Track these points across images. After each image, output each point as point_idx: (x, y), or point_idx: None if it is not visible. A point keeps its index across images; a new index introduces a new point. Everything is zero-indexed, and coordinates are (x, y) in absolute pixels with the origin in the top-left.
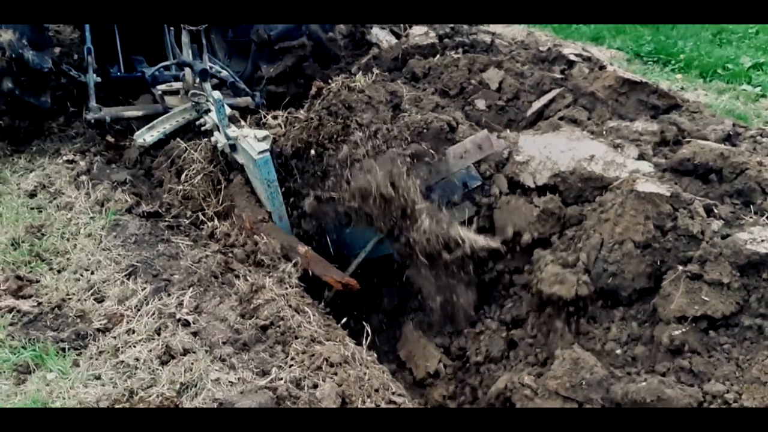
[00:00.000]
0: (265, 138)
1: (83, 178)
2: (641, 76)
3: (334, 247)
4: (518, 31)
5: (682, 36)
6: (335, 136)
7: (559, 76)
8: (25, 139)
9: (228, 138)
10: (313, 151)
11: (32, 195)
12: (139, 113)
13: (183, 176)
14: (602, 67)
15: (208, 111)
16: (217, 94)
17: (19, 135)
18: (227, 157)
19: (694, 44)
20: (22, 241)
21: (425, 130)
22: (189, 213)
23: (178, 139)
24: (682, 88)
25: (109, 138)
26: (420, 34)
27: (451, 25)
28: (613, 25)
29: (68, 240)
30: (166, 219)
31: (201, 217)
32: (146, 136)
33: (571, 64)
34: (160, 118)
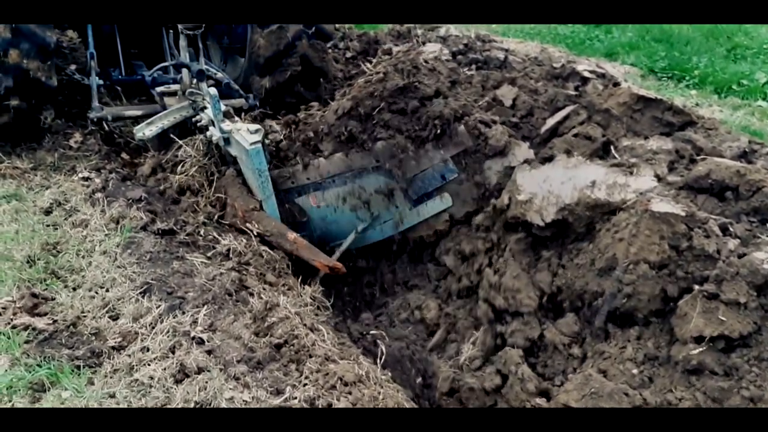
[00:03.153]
0: (257, 131)
1: (98, 195)
2: (655, 92)
3: (318, 235)
4: (531, 48)
5: (696, 52)
6: (399, 92)
7: (573, 92)
8: (36, 106)
9: (222, 132)
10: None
11: (48, 212)
12: (139, 113)
13: (179, 168)
14: (616, 84)
15: (204, 109)
16: (213, 90)
17: (30, 91)
18: (221, 151)
19: (709, 60)
20: (38, 259)
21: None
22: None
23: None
24: (697, 104)
25: (125, 155)
26: (433, 51)
27: (465, 42)
28: (627, 41)
29: (83, 257)
30: (181, 236)
31: (214, 234)
32: (146, 131)
33: (585, 80)
34: (159, 114)
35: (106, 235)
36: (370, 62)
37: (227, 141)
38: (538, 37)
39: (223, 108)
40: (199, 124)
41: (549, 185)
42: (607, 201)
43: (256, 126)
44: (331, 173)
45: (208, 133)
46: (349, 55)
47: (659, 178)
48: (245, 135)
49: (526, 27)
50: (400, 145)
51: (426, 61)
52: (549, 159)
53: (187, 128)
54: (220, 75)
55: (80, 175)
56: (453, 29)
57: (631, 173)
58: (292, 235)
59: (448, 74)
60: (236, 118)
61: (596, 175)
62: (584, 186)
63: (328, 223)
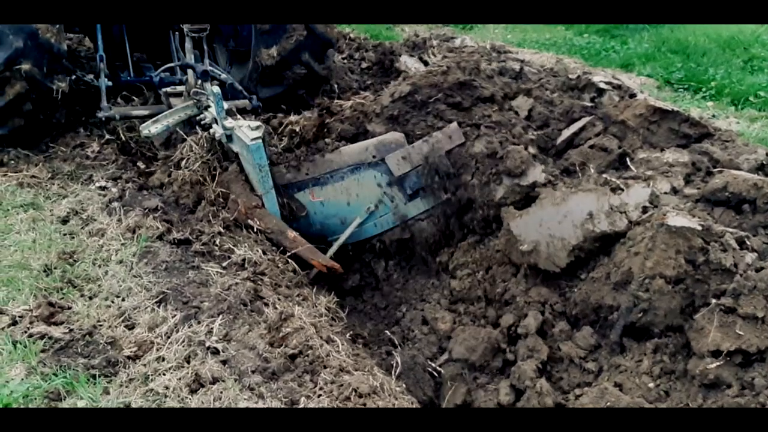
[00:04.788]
0: (258, 127)
1: (115, 204)
2: (672, 103)
3: (317, 229)
4: (547, 58)
5: (713, 63)
6: (458, 86)
7: (588, 104)
8: (48, 74)
9: (225, 128)
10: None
11: (65, 221)
12: (146, 112)
13: (183, 163)
14: (632, 95)
15: (207, 107)
16: (216, 89)
17: (40, 55)
18: (223, 147)
19: (726, 71)
20: (55, 268)
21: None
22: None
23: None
24: (714, 116)
25: (140, 164)
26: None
27: (480, 53)
28: (643, 52)
29: (100, 266)
30: (197, 246)
31: (232, 247)
32: (151, 128)
33: (601, 91)
34: (165, 113)
35: (122, 244)
36: (387, 83)
37: (229, 138)
38: (553, 47)
39: (225, 106)
40: (203, 122)
41: (547, 228)
42: (614, 231)
43: (257, 123)
44: (329, 169)
45: (211, 131)
46: (364, 65)
47: (675, 191)
48: (246, 131)
49: (541, 38)
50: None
51: (485, 69)
52: (533, 199)
53: (191, 127)
54: (224, 76)
55: (97, 185)
56: (468, 40)
57: (621, 189)
58: (291, 234)
59: (502, 86)
60: (238, 116)
61: (589, 205)
62: (583, 220)
63: (327, 218)
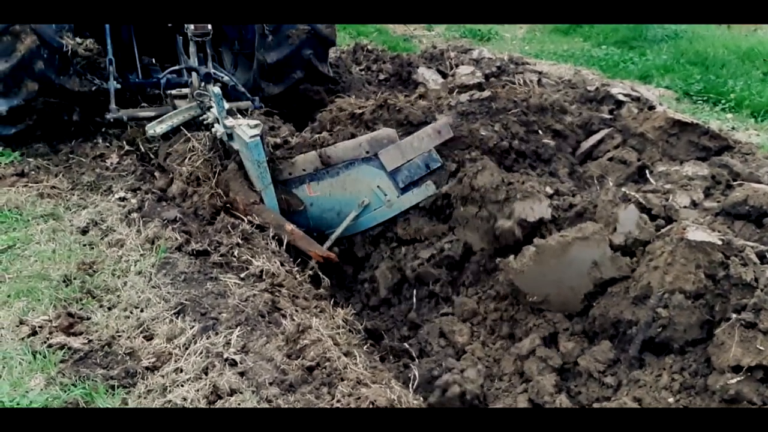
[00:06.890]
0: (256, 125)
1: (134, 215)
2: (691, 115)
3: (314, 223)
4: (565, 70)
5: (732, 75)
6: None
7: (607, 116)
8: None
9: (226, 127)
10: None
11: (84, 232)
12: (153, 114)
13: (186, 160)
14: (651, 107)
15: (210, 108)
16: (217, 89)
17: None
18: (225, 146)
19: (745, 83)
20: (74, 278)
21: None
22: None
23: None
24: (733, 128)
25: (158, 175)
26: (466, 73)
27: (498, 64)
28: (662, 63)
29: (119, 277)
30: (215, 257)
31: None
32: (156, 128)
33: (619, 103)
34: (169, 113)
35: (141, 255)
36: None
37: (230, 136)
38: (571, 59)
39: (227, 106)
40: (206, 122)
41: (556, 280)
42: (621, 276)
43: (256, 121)
44: (326, 164)
45: (213, 130)
46: (381, 77)
47: (695, 204)
48: (246, 129)
49: (559, 49)
50: None
51: (561, 109)
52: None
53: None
54: (226, 78)
55: (116, 196)
56: (486, 51)
57: (615, 220)
58: (289, 227)
59: (564, 127)
60: (238, 115)
61: (590, 254)
62: (589, 269)
63: (323, 212)
